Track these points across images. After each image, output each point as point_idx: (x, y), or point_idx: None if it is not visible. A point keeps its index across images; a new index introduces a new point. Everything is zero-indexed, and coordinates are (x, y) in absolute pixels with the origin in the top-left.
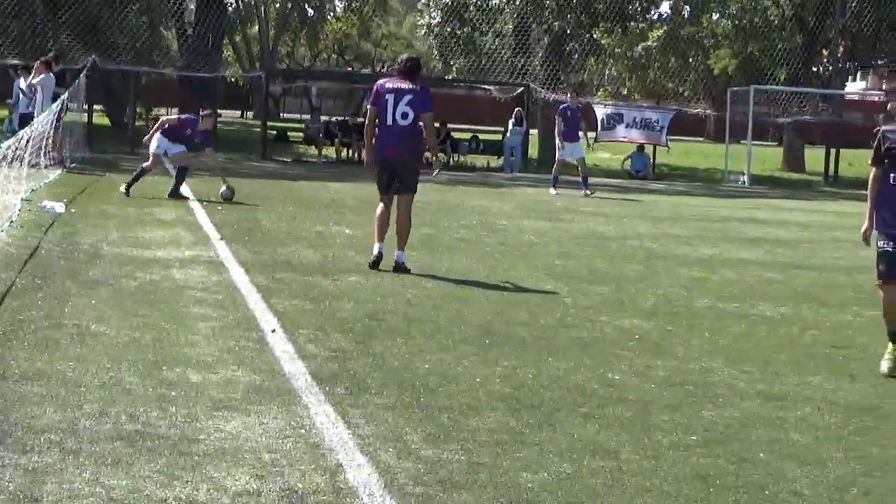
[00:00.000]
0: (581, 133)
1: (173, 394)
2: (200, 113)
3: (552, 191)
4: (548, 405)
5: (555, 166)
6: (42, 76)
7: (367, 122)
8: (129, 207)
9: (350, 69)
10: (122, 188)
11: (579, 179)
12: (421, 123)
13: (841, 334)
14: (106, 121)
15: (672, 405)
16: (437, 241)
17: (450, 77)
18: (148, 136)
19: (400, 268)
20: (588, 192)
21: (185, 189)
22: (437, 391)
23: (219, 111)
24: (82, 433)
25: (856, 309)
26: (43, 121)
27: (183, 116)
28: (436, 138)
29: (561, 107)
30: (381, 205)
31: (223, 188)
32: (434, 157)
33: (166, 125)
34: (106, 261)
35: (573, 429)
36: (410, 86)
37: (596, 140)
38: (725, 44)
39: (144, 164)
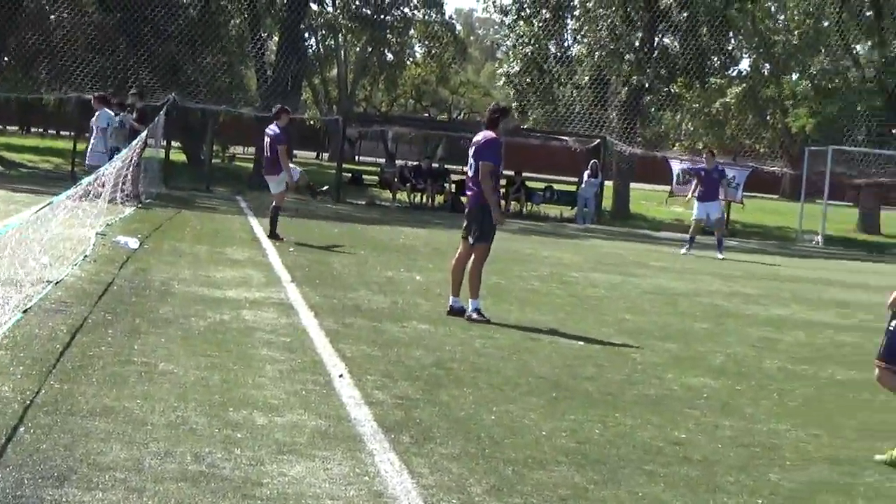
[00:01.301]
0: (738, 194)
1: (239, 436)
2: (273, 111)
3: (683, 251)
4: (613, 461)
5: (691, 228)
6: (98, 112)
7: None
8: (202, 245)
9: (427, 115)
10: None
11: (655, 234)
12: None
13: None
14: (183, 157)
15: (738, 466)
16: (507, 291)
17: (525, 126)
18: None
19: (468, 315)
20: (720, 257)
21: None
22: (503, 443)
23: (294, 152)
24: (147, 472)
25: None
26: (123, 157)
27: (270, 134)
28: (490, 188)
29: (697, 168)
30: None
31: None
32: (493, 208)
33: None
34: (177, 299)
35: (638, 487)
36: (478, 137)
37: (670, 194)
38: (804, 103)
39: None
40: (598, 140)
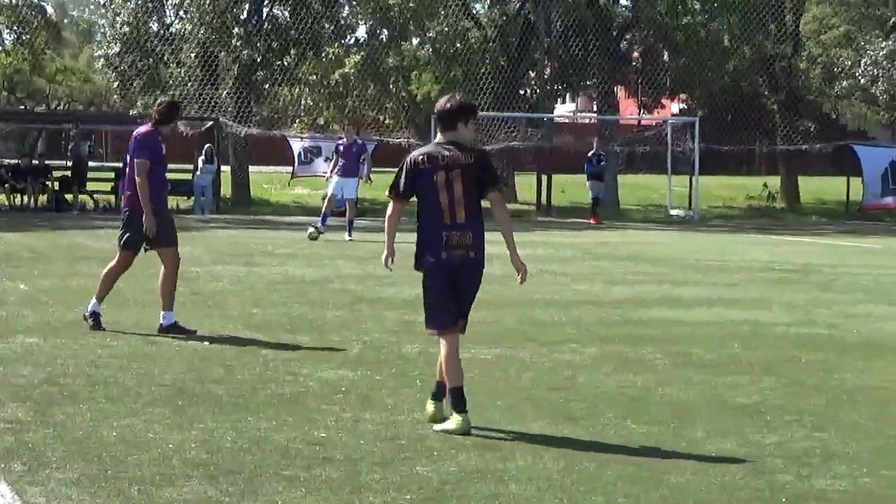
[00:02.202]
0: (365, 170)
1: None
2: None
3: (312, 228)
4: (248, 469)
5: (325, 203)
6: None
7: None
8: None
9: (23, 107)
10: None
11: (279, 219)
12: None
13: (560, 375)
14: None
15: (383, 462)
16: (123, 294)
17: (133, 113)
18: None
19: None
20: (349, 238)
21: None
22: (126, 461)
23: None
24: None
25: (574, 346)
26: None
27: None
28: (145, 188)
29: (337, 142)
30: None
31: None
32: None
33: None
34: None
35: (276, 494)
36: (136, 132)
37: (293, 176)
38: (427, 69)
39: None
40: (211, 122)
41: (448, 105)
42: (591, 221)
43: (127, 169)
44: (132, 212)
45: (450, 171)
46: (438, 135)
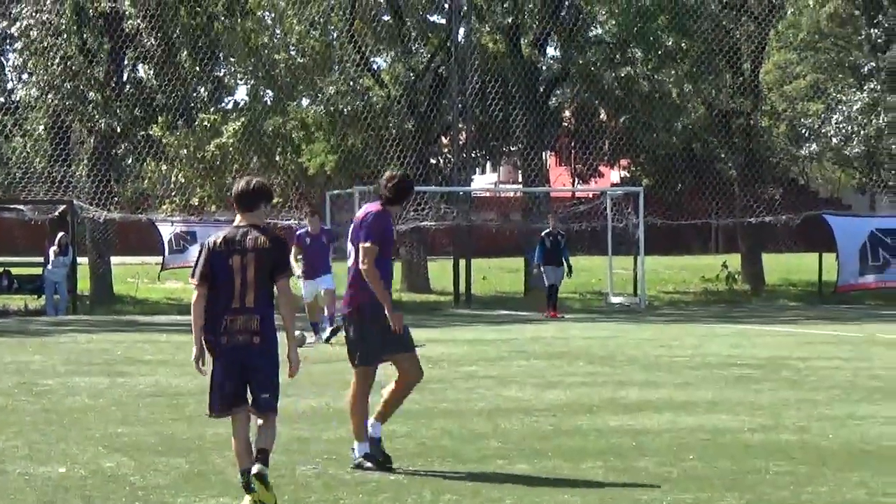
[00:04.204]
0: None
1: None
2: None
3: (311, 338)
4: None
5: (309, 315)
6: None
7: None
8: None
9: None
10: None
11: (148, 319)
12: None
13: (484, 497)
14: None
15: None
16: None
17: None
18: None
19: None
20: (327, 339)
21: None
22: None
23: None
24: None
25: (501, 463)
26: None
27: None
28: (376, 277)
29: (298, 233)
30: None
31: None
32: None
33: None
34: None
35: None
36: (359, 214)
37: (163, 267)
38: (320, 136)
39: None
40: (64, 206)
41: (249, 186)
42: (550, 314)
43: (349, 261)
44: (360, 312)
45: (245, 254)
46: (237, 217)
